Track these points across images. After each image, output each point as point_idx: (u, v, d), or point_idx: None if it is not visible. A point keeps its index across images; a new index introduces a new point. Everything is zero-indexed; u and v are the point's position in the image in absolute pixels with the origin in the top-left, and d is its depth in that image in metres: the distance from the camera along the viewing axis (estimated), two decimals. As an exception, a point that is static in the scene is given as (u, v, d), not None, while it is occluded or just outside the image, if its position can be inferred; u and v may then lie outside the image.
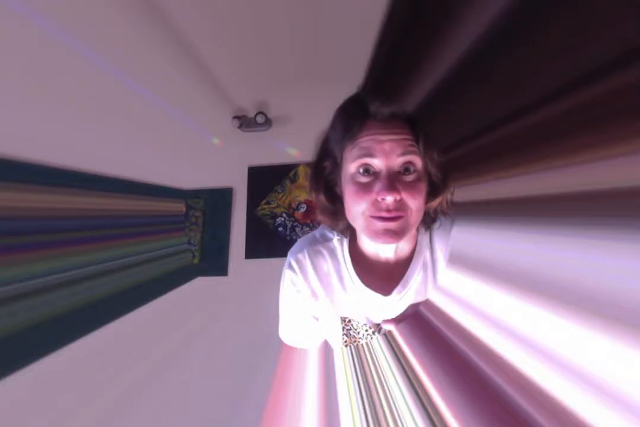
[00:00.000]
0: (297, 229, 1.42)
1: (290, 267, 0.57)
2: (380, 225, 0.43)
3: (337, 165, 0.49)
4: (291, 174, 1.45)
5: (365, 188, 0.44)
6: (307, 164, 1.50)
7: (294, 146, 1.47)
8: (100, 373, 1.21)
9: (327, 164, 0.50)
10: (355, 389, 0.53)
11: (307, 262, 0.56)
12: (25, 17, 1.02)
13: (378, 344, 0.54)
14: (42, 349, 1.10)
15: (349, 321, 0.56)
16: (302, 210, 1.43)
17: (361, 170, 0.44)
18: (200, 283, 1.37)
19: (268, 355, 1.35)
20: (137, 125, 1.46)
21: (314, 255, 0.56)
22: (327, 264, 0.56)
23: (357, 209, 0.45)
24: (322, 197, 0.51)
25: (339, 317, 0.56)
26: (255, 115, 1.45)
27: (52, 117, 1.33)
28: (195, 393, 1.25)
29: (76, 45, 1.14)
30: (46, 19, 1.04)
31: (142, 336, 1.26)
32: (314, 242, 0.57)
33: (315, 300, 0.56)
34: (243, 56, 1.30)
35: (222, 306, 1.32)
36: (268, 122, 1.47)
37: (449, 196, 0.49)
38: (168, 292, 1.31)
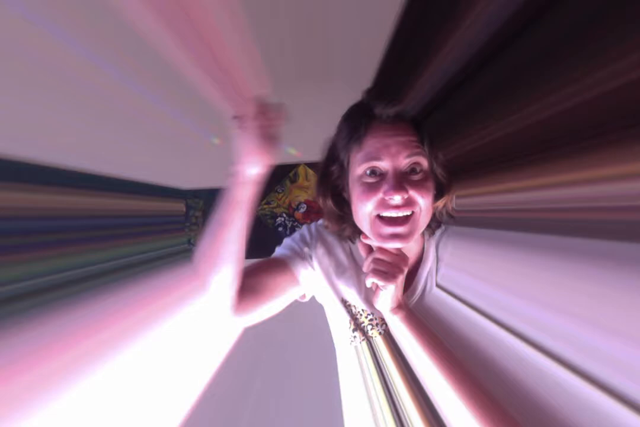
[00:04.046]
0: (297, 229, 1.42)
1: (308, 229, 0.59)
2: (388, 229, 0.43)
3: (344, 170, 0.49)
4: (291, 174, 1.45)
5: (372, 188, 0.44)
6: (310, 165, 1.50)
7: (294, 146, 1.47)
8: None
9: (334, 168, 0.50)
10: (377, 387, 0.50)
11: (320, 237, 0.57)
12: (23, 15, 1.02)
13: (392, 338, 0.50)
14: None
15: (354, 307, 0.54)
16: (302, 210, 1.43)
17: (368, 171, 0.44)
18: (200, 283, 1.37)
19: (267, 355, 1.35)
20: (137, 125, 1.46)
21: (326, 236, 0.57)
22: (336, 248, 0.57)
23: (364, 209, 0.45)
24: (329, 202, 0.51)
25: (340, 300, 0.55)
26: (255, 115, 1.45)
27: (52, 117, 1.33)
28: (194, 393, 1.25)
29: (75, 44, 1.14)
30: (45, 17, 1.04)
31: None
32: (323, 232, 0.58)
33: (312, 267, 0.55)
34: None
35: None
36: (268, 122, 1.47)
37: (453, 197, 0.49)
38: (168, 292, 1.31)
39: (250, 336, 1.26)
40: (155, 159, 1.45)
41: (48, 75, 1.25)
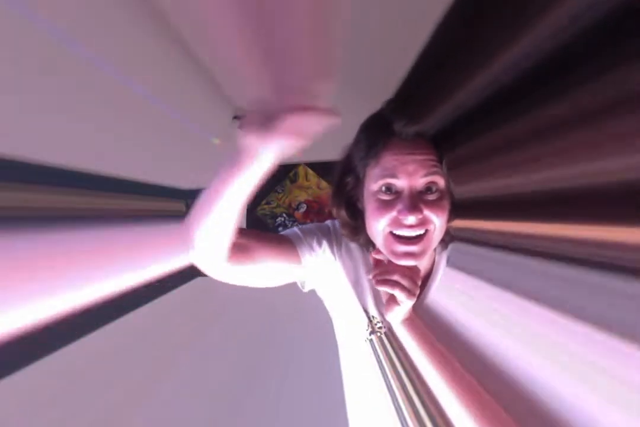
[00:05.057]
0: (297, 229, 1.42)
1: (333, 226, 0.57)
2: (402, 248, 0.43)
3: (360, 182, 0.48)
4: (291, 174, 1.45)
5: (386, 205, 0.43)
6: (309, 165, 1.50)
7: (294, 146, 1.46)
8: (99, 375, 1.21)
9: (349, 180, 0.50)
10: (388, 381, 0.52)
11: (345, 238, 0.56)
12: (23, 15, 1.02)
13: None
14: (41, 350, 1.10)
15: (372, 316, 0.55)
16: (302, 210, 1.43)
17: (383, 188, 0.44)
18: (200, 283, 1.37)
19: (268, 355, 1.35)
20: (137, 125, 1.46)
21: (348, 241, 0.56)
22: (356, 252, 0.56)
23: (377, 226, 0.45)
24: (343, 213, 0.51)
25: (361, 306, 0.55)
26: (256, 115, 1.45)
27: (52, 117, 1.33)
28: (194, 394, 1.25)
29: (74, 44, 1.14)
30: (44, 17, 1.04)
31: (142, 336, 1.26)
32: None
33: (324, 260, 0.55)
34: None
35: (222, 306, 1.32)
36: (268, 122, 1.47)
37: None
38: (167, 293, 1.31)
39: (250, 336, 1.26)
40: (155, 159, 1.45)
41: (48, 75, 1.25)
